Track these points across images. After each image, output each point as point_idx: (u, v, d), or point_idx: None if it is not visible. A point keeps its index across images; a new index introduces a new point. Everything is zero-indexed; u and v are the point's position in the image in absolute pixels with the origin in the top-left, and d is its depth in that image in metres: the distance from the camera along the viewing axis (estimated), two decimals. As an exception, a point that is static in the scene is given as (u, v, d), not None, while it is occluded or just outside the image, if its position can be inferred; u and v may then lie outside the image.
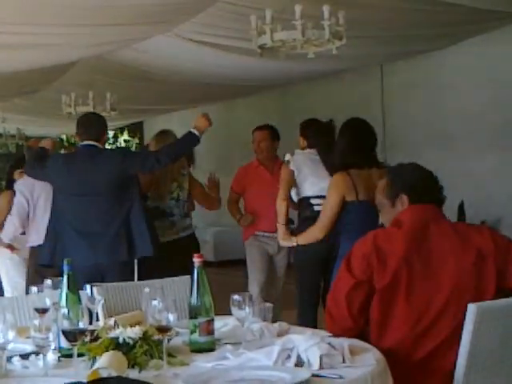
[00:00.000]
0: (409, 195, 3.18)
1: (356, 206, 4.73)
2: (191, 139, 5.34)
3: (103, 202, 5.15)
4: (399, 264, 2.98)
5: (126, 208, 5.18)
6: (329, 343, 2.60)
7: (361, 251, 3.09)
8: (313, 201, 5.63)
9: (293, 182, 5.75)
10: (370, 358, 2.62)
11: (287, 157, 5.88)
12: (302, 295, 5.82)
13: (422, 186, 3.21)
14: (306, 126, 5.97)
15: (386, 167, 4.79)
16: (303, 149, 5.86)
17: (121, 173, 5.17)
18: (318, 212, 5.29)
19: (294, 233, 5.77)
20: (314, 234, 4.99)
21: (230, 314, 2.95)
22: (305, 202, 5.69)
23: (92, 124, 5.35)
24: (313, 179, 5.62)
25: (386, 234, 3.15)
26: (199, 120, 5.38)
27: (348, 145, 4.89)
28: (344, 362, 2.56)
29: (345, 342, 2.66)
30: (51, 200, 5.65)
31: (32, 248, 6.25)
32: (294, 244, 5.15)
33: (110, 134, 16.08)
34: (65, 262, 2.98)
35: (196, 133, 5.30)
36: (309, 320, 5.20)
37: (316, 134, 5.80)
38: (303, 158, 5.74)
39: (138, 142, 16.95)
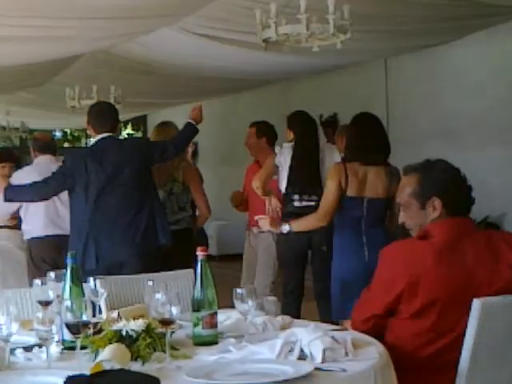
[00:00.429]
0: (442, 198, 2.99)
1: (345, 200, 4.74)
2: (192, 130, 5.52)
3: (133, 191, 5.18)
4: (432, 292, 2.87)
5: (151, 197, 5.26)
6: (332, 337, 2.60)
7: (390, 273, 2.95)
8: (293, 196, 5.67)
9: (272, 173, 5.80)
10: (373, 352, 2.62)
11: (277, 149, 5.94)
12: (286, 287, 5.86)
13: (454, 188, 3.03)
14: (292, 118, 5.97)
15: (389, 166, 4.83)
16: (291, 141, 5.88)
17: (148, 160, 5.28)
18: (299, 208, 5.35)
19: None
20: (311, 221, 4.93)
21: (232, 307, 2.95)
22: (286, 197, 5.73)
23: (106, 115, 5.34)
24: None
25: (419, 252, 2.93)
26: (193, 113, 5.53)
27: (350, 141, 4.89)
28: (347, 355, 2.56)
29: (347, 336, 2.66)
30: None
31: (28, 241, 6.24)
32: (285, 231, 4.84)
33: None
34: (69, 255, 2.99)
35: (192, 122, 5.48)
36: (292, 311, 5.21)
37: (301, 125, 5.84)
38: (289, 152, 5.77)
39: (141, 135, 16.95)
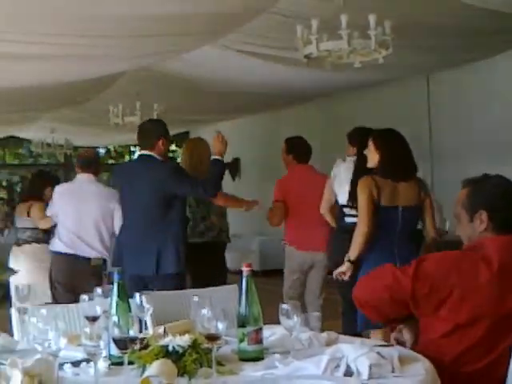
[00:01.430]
0: (489, 212, 2.95)
1: (379, 211, 4.77)
2: (219, 166, 5.25)
3: (151, 212, 5.18)
4: (484, 308, 2.81)
5: (169, 223, 5.19)
6: (378, 352, 2.59)
7: (441, 279, 2.87)
8: (345, 209, 5.65)
9: (330, 200, 5.84)
10: (420, 368, 2.60)
11: (336, 163, 6.00)
12: (345, 304, 5.80)
13: (504, 203, 2.98)
14: (352, 134, 6.01)
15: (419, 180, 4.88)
16: (350, 155, 5.92)
17: (169, 187, 5.13)
18: (351, 224, 5.29)
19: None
20: (356, 239, 4.92)
21: (275, 322, 2.96)
22: (340, 211, 5.72)
23: (144, 133, 5.34)
24: (347, 187, 5.65)
25: (473, 267, 2.87)
26: (214, 145, 5.28)
27: (383, 161, 4.89)
28: (393, 371, 2.54)
29: (394, 352, 2.65)
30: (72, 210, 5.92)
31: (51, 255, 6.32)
32: (344, 268, 4.96)
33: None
34: (116, 271, 3.02)
35: (219, 158, 5.22)
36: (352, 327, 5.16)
37: (362, 140, 5.86)
38: (348, 166, 5.79)
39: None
